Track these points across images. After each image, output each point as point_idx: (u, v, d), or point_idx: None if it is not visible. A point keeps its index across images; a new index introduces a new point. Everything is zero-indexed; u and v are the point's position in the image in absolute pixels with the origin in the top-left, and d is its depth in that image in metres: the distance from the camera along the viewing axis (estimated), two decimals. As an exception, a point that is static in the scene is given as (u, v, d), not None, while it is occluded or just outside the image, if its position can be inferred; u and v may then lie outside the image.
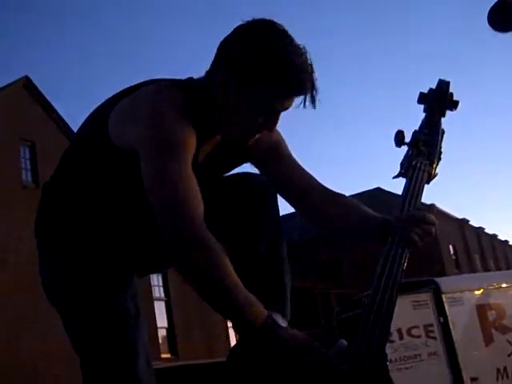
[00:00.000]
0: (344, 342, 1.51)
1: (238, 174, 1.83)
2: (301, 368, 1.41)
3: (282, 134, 1.88)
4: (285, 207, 1.92)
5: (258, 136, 1.67)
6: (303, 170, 1.86)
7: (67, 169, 1.74)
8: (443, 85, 1.82)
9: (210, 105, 1.62)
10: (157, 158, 1.50)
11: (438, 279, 8.20)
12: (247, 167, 1.89)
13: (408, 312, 7.27)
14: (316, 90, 1.58)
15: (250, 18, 1.60)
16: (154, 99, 1.56)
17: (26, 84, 16.10)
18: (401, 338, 7.13)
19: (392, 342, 7.14)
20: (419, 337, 7.28)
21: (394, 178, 1.76)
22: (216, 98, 1.61)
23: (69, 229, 1.70)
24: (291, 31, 1.60)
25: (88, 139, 1.69)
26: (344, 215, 1.79)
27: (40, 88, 16.30)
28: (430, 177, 1.73)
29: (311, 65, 1.58)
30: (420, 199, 1.67)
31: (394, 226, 1.63)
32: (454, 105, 1.82)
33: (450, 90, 1.82)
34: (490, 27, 1.43)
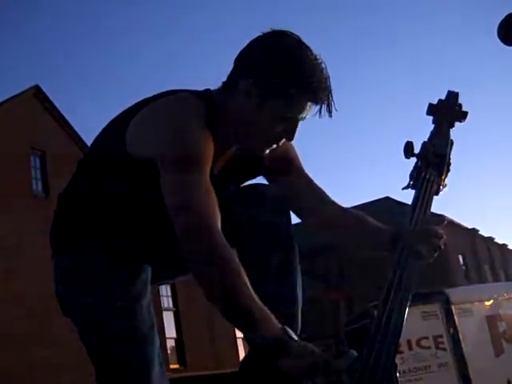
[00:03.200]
0: (354, 352, 1.51)
1: (249, 185, 1.84)
2: (312, 381, 1.41)
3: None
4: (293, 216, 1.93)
5: (275, 146, 1.69)
6: (314, 183, 1.88)
7: (83, 179, 1.75)
8: (452, 96, 1.83)
9: (228, 115, 1.64)
10: (176, 169, 1.51)
11: (447, 290, 8.15)
12: (258, 180, 1.91)
13: (417, 323, 7.23)
14: (332, 99, 1.61)
15: (268, 30, 1.63)
16: (175, 109, 1.58)
17: (37, 93, 16.19)
18: (410, 348, 7.10)
19: (401, 352, 7.12)
20: (429, 348, 7.24)
21: (404, 189, 1.76)
22: (237, 108, 1.63)
23: (85, 238, 1.70)
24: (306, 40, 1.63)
25: (105, 150, 1.70)
26: (354, 229, 1.81)
27: (50, 97, 16.43)
28: (439, 188, 1.73)
29: (328, 74, 1.61)
30: (429, 210, 1.67)
31: (403, 239, 1.63)
32: (462, 116, 1.83)
33: (459, 101, 1.83)
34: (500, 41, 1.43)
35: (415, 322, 7.65)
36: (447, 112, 1.82)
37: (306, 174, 1.88)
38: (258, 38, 1.63)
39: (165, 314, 17.17)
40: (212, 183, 1.56)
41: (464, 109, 1.83)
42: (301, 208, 1.86)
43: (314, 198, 1.84)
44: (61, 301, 1.75)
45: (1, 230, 12.71)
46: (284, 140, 1.67)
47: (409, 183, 1.74)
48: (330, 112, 1.61)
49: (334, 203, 1.86)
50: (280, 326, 1.43)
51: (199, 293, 1.47)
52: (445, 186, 1.76)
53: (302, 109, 1.60)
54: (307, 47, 1.61)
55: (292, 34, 1.62)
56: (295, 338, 1.44)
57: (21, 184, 14.50)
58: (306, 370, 1.40)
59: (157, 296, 16.41)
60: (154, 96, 1.66)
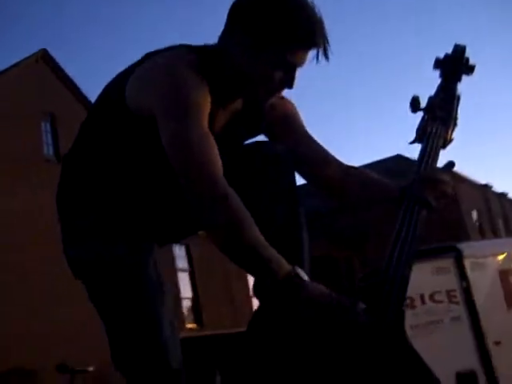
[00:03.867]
0: (362, 305, 1.53)
1: (254, 142, 1.85)
2: (327, 320, 1.41)
3: (296, 105, 1.90)
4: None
5: (278, 94, 1.69)
6: (317, 143, 1.86)
7: (86, 138, 1.77)
8: (459, 49, 1.81)
9: (226, 68, 1.65)
10: (174, 118, 1.52)
11: (460, 244, 8.19)
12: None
13: (430, 278, 7.27)
14: (328, 42, 1.61)
15: None
16: (169, 64, 1.58)
17: (44, 57, 16.14)
18: (423, 303, 7.16)
19: (414, 307, 7.19)
20: (441, 302, 7.30)
21: (411, 143, 1.77)
22: (232, 59, 1.63)
23: (90, 196, 1.74)
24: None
25: (106, 107, 1.71)
26: (361, 186, 1.80)
27: (58, 61, 16.38)
28: (446, 142, 1.73)
29: (321, 17, 1.61)
30: (435, 164, 1.68)
31: (409, 189, 1.64)
32: (470, 70, 1.81)
33: (466, 55, 1.82)
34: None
35: (428, 276, 7.69)
36: (454, 66, 1.80)
37: (308, 133, 1.87)
38: None
39: (180, 274, 17.32)
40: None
41: (471, 62, 1.81)
42: (304, 169, 1.85)
43: (317, 158, 1.83)
44: (70, 262, 1.78)
45: (16, 195, 12.85)
46: (284, 88, 1.67)
47: (415, 137, 1.74)
48: (326, 56, 1.61)
49: (338, 162, 1.84)
50: (290, 266, 1.44)
51: (214, 252, 1.48)
52: (451, 140, 1.76)
53: (296, 54, 1.60)
54: None
55: None
56: (306, 278, 1.45)
57: (32, 149, 14.56)
58: (321, 309, 1.41)
59: (171, 257, 16.55)
60: (152, 52, 1.67)
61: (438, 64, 1.82)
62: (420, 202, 1.61)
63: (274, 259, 1.44)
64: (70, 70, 16.51)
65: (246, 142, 1.86)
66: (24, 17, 40.96)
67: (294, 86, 1.67)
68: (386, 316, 1.48)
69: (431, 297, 7.19)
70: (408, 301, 7.19)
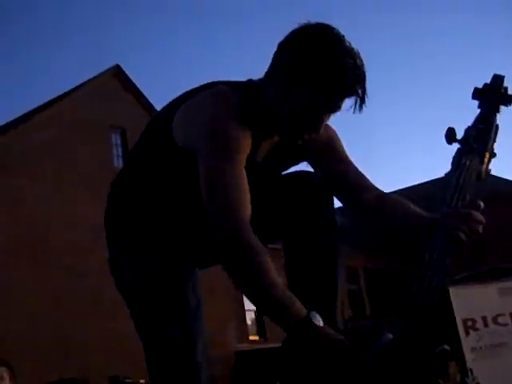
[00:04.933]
0: (389, 336, 1.53)
1: (294, 172, 1.89)
2: (332, 367, 1.44)
3: (337, 132, 1.92)
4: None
5: (307, 137, 1.71)
6: (356, 168, 1.90)
7: (133, 166, 1.86)
8: (497, 79, 1.80)
9: (264, 104, 1.69)
10: (211, 161, 1.58)
11: (525, 266, 7.97)
12: (303, 166, 1.95)
13: (494, 299, 7.08)
14: (366, 96, 1.61)
15: (305, 21, 1.65)
16: (211, 103, 1.64)
17: (117, 72, 16.61)
18: (486, 325, 6.97)
19: (476, 330, 7.02)
20: (506, 325, 7.10)
21: (446, 175, 1.76)
22: (269, 97, 1.67)
23: (135, 220, 1.82)
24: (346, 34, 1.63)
25: (153, 140, 1.79)
26: (394, 214, 1.81)
27: (130, 76, 16.81)
28: (481, 174, 1.71)
29: (364, 70, 1.61)
30: (468, 198, 1.66)
31: (440, 223, 1.63)
32: (508, 100, 1.79)
33: (505, 85, 1.80)
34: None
35: (492, 298, 7.49)
36: (492, 96, 1.78)
37: (349, 160, 1.90)
38: (294, 30, 1.65)
39: (244, 287, 17.38)
40: (254, 170, 1.62)
41: (510, 92, 1.79)
42: (343, 194, 1.88)
43: (356, 184, 1.86)
44: (114, 276, 1.87)
45: (87, 208, 13.23)
46: (310, 133, 1.69)
47: (451, 169, 1.73)
48: (360, 108, 1.61)
49: (375, 188, 1.87)
50: (304, 312, 1.47)
51: (278, 265, 1.54)
52: (488, 172, 1.74)
53: (328, 102, 1.62)
54: (343, 40, 1.60)
55: (329, 26, 1.63)
56: (321, 323, 1.48)
57: (103, 161, 14.97)
58: (327, 357, 1.44)
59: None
60: (195, 89, 1.73)
61: (477, 94, 1.81)
62: (449, 237, 1.60)
63: (291, 305, 1.48)
64: (142, 85, 16.92)
65: (289, 168, 1.91)
66: (98, 30, 42.23)
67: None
68: (409, 351, 1.47)
69: (494, 319, 7.00)
70: (470, 323, 7.05)
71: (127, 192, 1.84)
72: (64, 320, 12.83)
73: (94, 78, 16.33)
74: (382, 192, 1.87)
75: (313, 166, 1.92)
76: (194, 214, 1.74)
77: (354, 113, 1.62)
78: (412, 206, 1.79)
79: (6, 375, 3.82)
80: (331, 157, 1.88)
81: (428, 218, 1.71)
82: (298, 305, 1.48)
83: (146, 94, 16.95)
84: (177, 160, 1.71)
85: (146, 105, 16.73)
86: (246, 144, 1.63)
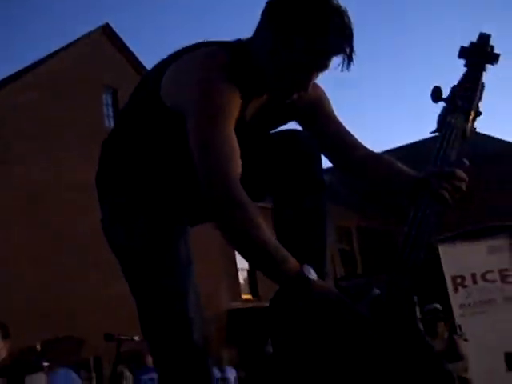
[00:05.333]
0: (376, 291, 1.58)
1: (283, 130, 1.90)
2: (329, 319, 1.49)
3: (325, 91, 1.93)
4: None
5: (295, 96, 1.72)
6: (345, 128, 1.92)
7: (123, 125, 1.87)
8: (484, 38, 1.80)
9: (254, 63, 1.70)
10: (198, 119, 1.60)
11: (514, 224, 8.04)
12: (292, 125, 1.96)
13: (483, 256, 7.16)
14: (353, 53, 1.62)
15: None
16: (200, 64, 1.65)
17: (107, 31, 16.41)
18: (475, 282, 7.07)
19: (465, 286, 7.11)
20: (494, 281, 7.20)
21: (432, 133, 1.78)
22: (259, 55, 1.68)
23: (127, 178, 1.84)
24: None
25: (143, 99, 1.80)
26: (382, 173, 1.85)
27: (120, 35, 16.62)
28: (466, 132, 1.73)
29: (351, 28, 1.61)
30: (453, 156, 1.68)
31: (424, 182, 1.66)
32: (494, 58, 1.80)
33: (491, 44, 1.81)
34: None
35: (481, 255, 7.57)
36: (479, 55, 1.79)
37: (336, 118, 1.92)
38: None
39: (237, 246, 17.48)
40: (243, 128, 1.64)
41: (496, 51, 1.80)
42: (332, 153, 1.91)
43: (344, 143, 1.89)
44: (106, 235, 1.90)
45: (78, 166, 13.21)
46: (298, 91, 1.70)
47: (437, 128, 1.75)
48: (348, 66, 1.62)
49: (363, 147, 1.89)
50: (298, 267, 1.51)
51: (268, 224, 1.57)
52: (473, 130, 1.75)
53: (318, 59, 1.63)
54: None
55: None
56: (314, 276, 1.52)
57: (94, 121, 14.89)
58: (324, 310, 1.49)
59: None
60: (185, 48, 1.73)
61: (463, 53, 1.82)
62: (434, 196, 1.62)
63: (284, 260, 1.52)
64: (133, 45, 16.73)
65: (278, 127, 1.93)
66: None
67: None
68: (396, 302, 1.51)
69: (483, 276, 7.09)
70: (459, 280, 7.14)
71: (119, 151, 1.86)
72: (57, 281, 12.91)
73: (83, 36, 16.13)
74: (370, 151, 1.90)
75: (302, 126, 1.93)
76: (184, 171, 1.76)
77: (341, 71, 1.63)
78: (400, 165, 1.82)
79: None
80: (320, 116, 1.90)
81: (414, 177, 1.74)
82: (291, 259, 1.52)
83: (136, 53, 16.78)
84: (165, 119, 1.72)
85: (137, 64, 16.57)
86: (234, 104, 1.64)
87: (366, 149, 1.90)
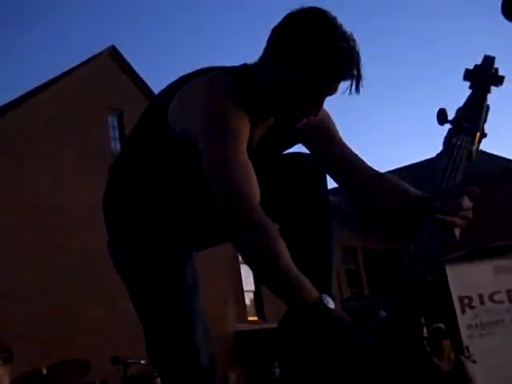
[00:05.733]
0: (383, 313, 1.58)
1: (288, 154, 1.92)
2: (345, 348, 1.49)
3: (331, 113, 1.95)
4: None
5: (305, 120, 1.74)
6: (350, 149, 1.93)
7: (132, 150, 1.88)
8: (488, 60, 1.82)
9: (261, 89, 1.71)
10: (213, 145, 1.60)
11: (521, 243, 8.01)
12: (298, 148, 1.97)
13: (490, 277, 7.15)
14: (361, 78, 1.63)
15: (298, 6, 1.66)
16: (208, 89, 1.66)
17: (113, 53, 16.51)
18: (482, 303, 7.05)
19: (473, 307, 7.09)
20: (502, 302, 7.17)
21: (438, 155, 1.78)
22: (265, 82, 1.69)
23: (135, 202, 1.84)
24: (340, 18, 1.64)
25: (150, 124, 1.81)
26: (386, 191, 1.84)
27: (126, 57, 16.73)
28: (471, 153, 1.74)
29: (358, 52, 1.63)
30: (459, 178, 1.68)
31: (430, 207, 1.65)
32: (499, 80, 1.81)
33: (495, 66, 1.82)
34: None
35: (488, 275, 7.55)
36: (483, 77, 1.81)
37: (342, 141, 1.93)
38: (288, 15, 1.67)
39: (242, 267, 17.47)
40: (250, 154, 1.64)
41: (501, 73, 1.81)
42: (338, 175, 1.92)
43: (350, 165, 1.89)
44: (113, 259, 1.90)
45: (83, 188, 13.24)
46: (308, 116, 1.72)
47: (443, 149, 1.76)
48: (358, 90, 1.63)
49: (369, 168, 1.90)
50: (317, 294, 1.52)
51: None
52: (478, 152, 1.76)
53: (325, 86, 1.64)
54: (337, 24, 1.62)
55: (323, 10, 1.64)
56: (332, 305, 1.52)
57: (100, 143, 14.94)
58: (341, 338, 1.50)
59: (234, 250, 16.68)
60: (191, 73, 1.75)
61: (468, 75, 1.83)
62: (440, 224, 1.62)
63: (304, 287, 1.52)
64: (139, 67, 16.83)
65: (284, 150, 1.94)
66: (93, 13, 41.92)
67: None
68: (402, 325, 1.51)
69: (491, 297, 7.07)
70: (466, 300, 7.11)
71: (127, 175, 1.87)
72: (65, 302, 12.89)
73: (90, 59, 16.24)
74: (377, 172, 1.90)
75: (308, 148, 1.95)
76: (192, 195, 1.77)
77: (350, 94, 1.64)
78: (405, 184, 1.82)
79: None
80: (325, 138, 1.91)
81: (421, 197, 1.74)
82: (310, 288, 1.52)
83: (142, 75, 16.88)
84: (173, 145, 1.73)
85: (143, 86, 16.64)
86: (245, 126, 1.65)
87: (373, 170, 1.90)
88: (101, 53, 16.36)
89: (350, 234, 20.36)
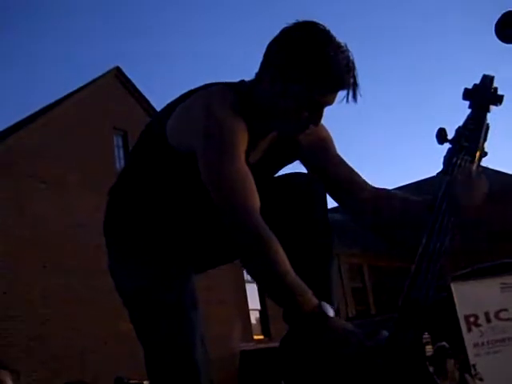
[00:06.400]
0: (385, 333, 1.57)
1: (287, 173, 1.92)
2: (341, 357, 1.49)
3: (330, 130, 1.96)
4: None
5: (308, 131, 1.75)
6: (350, 167, 1.93)
7: (131, 173, 1.89)
8: (487, 80, 1.83)
9: (260, 104, 1.73)
10: (212, 157, 1.62)
11: (527, 261, 7.95)
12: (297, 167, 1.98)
13: (496, 294, 7.05)
14: (357, 86, 1.66)
15: (293, 21, 1.70)
16: (208, 105, 1.67)
17: (118, 74, 16.62)
18: (488, 321, 6.95)
19: (479, 325, 6.99)
20: (509, 320, 7.08)
21: (438, 174, 1.79)
22: (264, 96, 1.71)
23: (132, 223, 1.86)
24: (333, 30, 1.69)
25: (149, 142, 1.83)
26: (391, 208, 1.85)
27: (131, 78, 16.83)
28: (471, 173, 1.75)
29: (353, 61, 1.67)
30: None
31: (443, 191, 1.66)
32: (498, 99, 1.83)
33: (494, 85, 1.83)
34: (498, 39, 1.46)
35: (494, 293, 7.44)
36: (482, 96, 1.82)
37: (341, 158, 1.94)
38: (284, 29, 1.70)
39: (248, 286, 17.42)
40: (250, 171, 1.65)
41: (500, 92, 1.83)
42: (338, 195, 1.91)
43: (350, 185, 1.89)
44: (115, 282, 1.91)
45: (87, 208, 13.26)
46: (309, 126, 1.73)
47: (443, 168, 1.77)
48: (355, 98, 1.66)
49: (369, 186, 1.90)
50: (316, 302, 1.52)
51: None
52: (479, 170, 1.77)
53: (324, 96, 1.66)
54: (331, 36, 1.66)
55: (317, 24, 1.68)
56: (332, 314, 1.52)
57: (105, 163, 14.99)
58: (338, 347, 1.49)
59: (240, 269, 16.68)
60: (190, 91, 1.77)
61: (467, 94, 1.84)
62: (452, 205, 1.63)
63: (302, 293, 1.52)
64: (143, 87, 16.91)
65: (283, 168, 1.94)
66: (98, 33, 42.26)
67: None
68: (403, 344, 1.51)
69: (497, 315, 6.98)
70: (472, 319, 7.05)
71: (126, 195, 1.88)
72: (67, 323, 12.86)
73: (95, 79, 16.35)
74: (377, 189, 1.90)
75: (306, 166, 1.95)
76: (193, 215, 1.77)
77: (347, 103, 1.67)
78: (406, 196, 1.84)
79: (8, 379, 3.82)
80: (324, 156, 1.92)
81: (425, 200, 1.75)
82: (310, 294, 1.53)
83: (147, 95, 16.97)
84: (173, 162, 1.74)
85: (147, 106, 16.74)
86: (243, 138, 1.67)
87: (373, 187, 1.90)
88: (105, 73, 16.47)
89: (355, 251, 20.32)
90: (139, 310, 1.83)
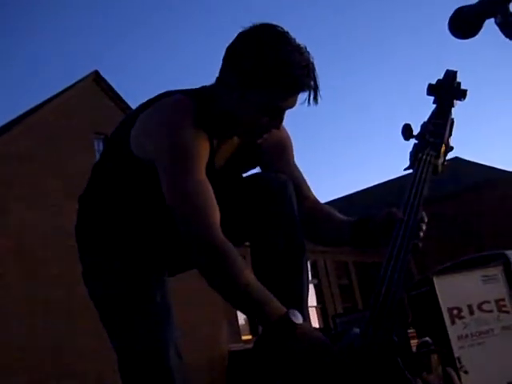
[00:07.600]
0: (356, 330, 1.57)
1: (254, 174, 1.91)
2: (312, 365, 1.48)
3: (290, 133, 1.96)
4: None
5: (266, 136, 1.75)
6: (301, 175, 1.93)
7: (98, 181, 1.89)
8: (450, 75, 1.84)
9: (221, 109, 1.72)
10: (171, 170, 1.61)
11: (507, 252, 8.05)
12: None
13: (478, 287, 7.16)
14: (318, 88, 1.65)
15: (250, 24, 1.68)
16: (166, 113, 1.67)
17: (96, 78, 16.56)
18: (471, 313, 7.05)
19: (462, 318, 7.09)
20: (491, 311, 7.19)
21: (405, 169, 1.80)
22: (222, 100, 1.71)
23: (103, 233, 1.85)
24: (292, 32, 1.67)
25: (115, 153, 1.82)
26: (322, 225, 1.88)
27: (110, 82, 16.77)
28: (437, 167, 1.76)
29: (312, 63, 1.65)
30: (425, 191, 1.69)
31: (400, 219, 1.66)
32: (462, 94, 1.83)
33: (458, 80, 1.84)
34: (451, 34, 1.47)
35: (476, 286, 7.56)
36: (446, 91, 1.83)
37: (294, 165, 1.94)
38: (241, 33, 1.68)
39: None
40: (213, 176, 1.66)
41: (463, 87, 1.84)
42: None
43: (297, 192, 1.86)
44: (87, 287, 1.89)
45: (70, 213, 13.21)
46: (270, 130, 1.72)
47: (409, 164, 1.77)
48: (315, 100, 1.65)
49: (313, 199, 1.92)
50: (283, 310, 1.50)
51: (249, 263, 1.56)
52: (444, 165, 1.78)
53: (284, 99, 1.65)
54: (289, 38, 1.64)
55: (274, 26, 1.66)
56: (300, 320, 1.51)
57: (86, 168, 14.91)
58: (307, 355, 1.48)
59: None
60: (151, 99, 1.76)
61: (431, 90, 1.85)
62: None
63: (266, 302, 1.51)
64: (123, 91, 16.87)
65: (248, 172, 1.94)
66: (77, 38, 42.06)
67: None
68: (372, 342, 1.51)
69: (480, 307, 7.07)
70: (456, 311, 7.11)
71: (94, 204, 1.87)
72: (55, 330, 12.80)
73: (74, 84, 16.29)
74: (317, 203, 1.92)
75: (262, 168, 1.94)
76: (159, 221, 1.77)
77: (308, 105, 1.66)
78: (339, 216, 1.86)
79: None
80: (280, 158, 1.91)
81: (350, 225, 1.79)
82: (276, 303, 1.51)
83: (126, 99, 16.92)
84: (137, 170, 1.74)
85: (128, 110, 16.70)
86: (204, 149, 1.66)
87: (315, 200, 1.92)
88: (84, 78, 16.41)
89: (340, 248, 20.38)
90: (111, 315, 1.83)
